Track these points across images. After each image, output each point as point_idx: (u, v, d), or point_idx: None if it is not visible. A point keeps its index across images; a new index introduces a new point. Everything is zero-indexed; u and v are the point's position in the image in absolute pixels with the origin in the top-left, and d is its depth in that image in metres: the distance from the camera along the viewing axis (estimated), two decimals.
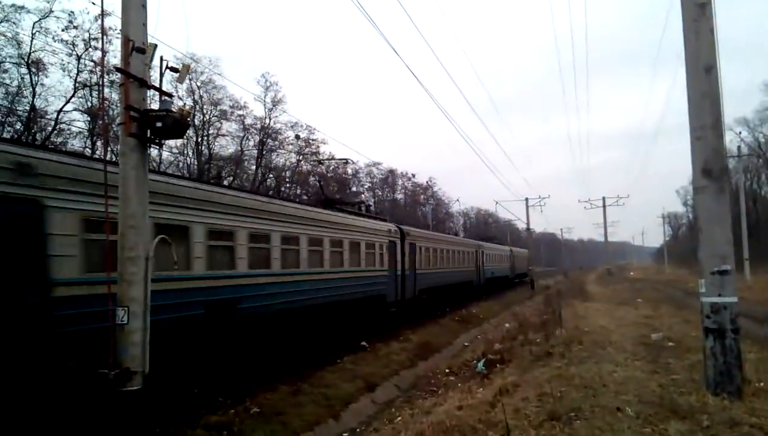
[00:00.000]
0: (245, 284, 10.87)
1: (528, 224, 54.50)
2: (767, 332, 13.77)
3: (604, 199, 59.47)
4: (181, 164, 44.83)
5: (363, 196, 76.66)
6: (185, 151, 44.25)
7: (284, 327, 12.38)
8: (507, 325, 18.50)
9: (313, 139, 52.52)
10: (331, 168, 63.70)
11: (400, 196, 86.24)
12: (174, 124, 6.39)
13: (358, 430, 9.76)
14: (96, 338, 6.48)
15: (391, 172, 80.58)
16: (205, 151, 44.95)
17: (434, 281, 25.04)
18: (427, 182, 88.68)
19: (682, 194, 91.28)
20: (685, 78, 6.67)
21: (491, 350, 13.13)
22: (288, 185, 55.44)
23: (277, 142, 50.49)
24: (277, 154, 52.25)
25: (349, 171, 68.46)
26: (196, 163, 44.52)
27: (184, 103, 36.11)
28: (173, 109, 6.50)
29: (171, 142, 37.19)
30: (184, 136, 26.15)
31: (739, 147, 37.10)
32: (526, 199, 52.18)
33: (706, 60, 6.48)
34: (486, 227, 79.38)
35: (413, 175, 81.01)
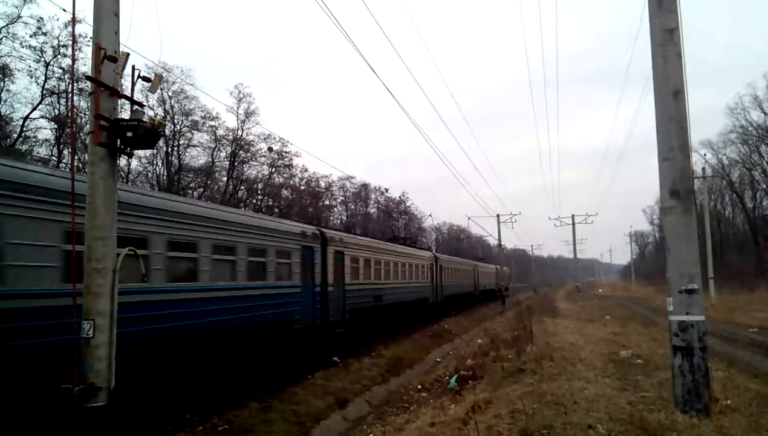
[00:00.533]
0: None
1: (499, 239, 55.09)
2: (733, 350, 14.13)
3: (573, 216, 60.70)
4: (150, 174, 44.15)
5: (336, 209, 76.57)
6: (155, 162, 43.63)
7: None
8: (479, 341, 18.55)
9: (286, 152, 52.29)
10: (303, 181, 63.43)
11: (373, 210, 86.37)
12: (145, 134, 6.29)
13: None
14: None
15: (365, 186, 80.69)
16: (175, 161, 44.36)
17: (369, 300, 20.45)
18: (400, 197, 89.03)
19: (649, 213, 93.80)
20: (654, 101, 6.85)
21: (463, 366, 13.12)
22: (260, 198, 54.99)
23: (249, 154, 50.14)
24: (249, 166, 51.88)
25: (323, 184, 68.38)
26: (165, 173, 43.87)
27: (155, 114, 35.69)
28: (144, 119, 6.40)
29: (140, 152, 36.67)
30: (154, 147, 25.77)
31: (704, 169, 38.27)
32: (498, 216, 52.90)
33: (674, 84, 6.67)
34: (458, 243, 79.84)
35: (386, 190, 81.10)
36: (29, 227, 7.34)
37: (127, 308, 7.28)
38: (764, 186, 53.58)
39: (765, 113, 47.88)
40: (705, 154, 47.76)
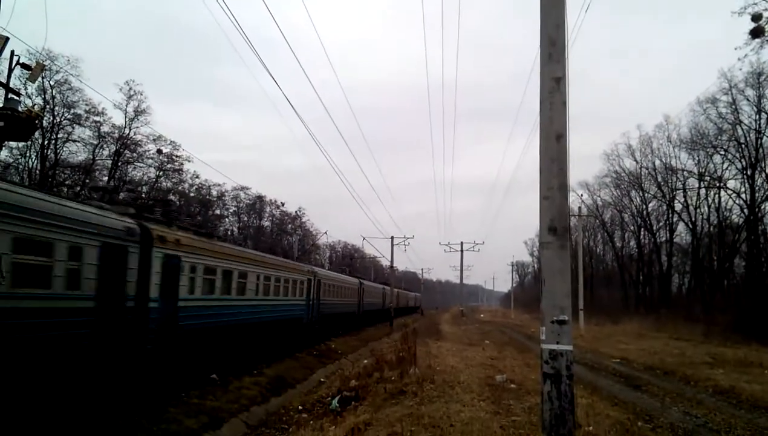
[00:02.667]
0: None
1: (392, 261, 56.03)
2: (597, 378, 15.32)
3: (462, 243, 63.31)
4: (21, 167, 40.14)
5: (227, 220, 74.07)
6: (28, 154, 39.78)
7: None
8: (365, 361, 18.62)
9: (176, 156, 49.97)
10: (194, 188, 60.74)
11: (267, 223, 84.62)
12: (20, 124, 5.71)
13: None
14: None
15: (260, 198, 78.97)
16: (52, 155, 40.72)
17: (215, 320, 15.99)
18: (296, 212, 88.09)
19: (530, 245, 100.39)
20: (539, 143, 7.34)
21: (346, 387, 13.09)
22: (144, 201, 51.85)
23: (135, 155, 47.26)
24: (134, 167, 48.88)
25: (215, 193, 65.98)
26: (39, 167, 40.10)
27: (33, 104, 32.67)
28: (20, 109, 5.82)
29: (13, 143, 33.25)
30: (29, 139, 23.33)
31: (579, 208, 41.68)
32: (392, 238, 53.76)
33: (558, 129, 7.18)
34: (352, 262, 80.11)
35: (283, 204, 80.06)
36: None
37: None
38: (632, 227, 59.38)
39: (637, 161, 53.20)
40: (582, 195, 52.15)
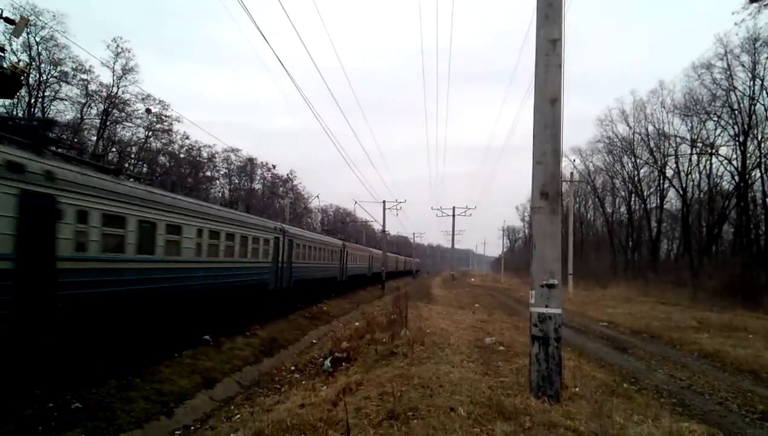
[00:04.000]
0: None
1: (384, 225, 56.15)
2: (584, 341, 15.62)
3: (454, 208, 63.43)
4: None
5: (218, 182, 73.63)
6: (14, 112, 39.01)
7: None
8: (356, 323, 18.85)
9: (165, 116, 49.21)
10: (184, 149, 60.04)
11: (258, 186, 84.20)
12: (4, 81, 5.55)
13: (192, 427, 9.30)
14: None
15: (251, 160, 78.33)
16: (39, 114, 39.99)
17: (112, 289, 11.64)
18: (287, 175, 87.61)
19: (521, 211, 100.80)
20: (533, 107, 7.28)
21: (338, 348, 13.27)
22: (133, 162, 51.29)
23: (124, 114, 46.49)
24: (123, 127, 48.16)
25: (205, 154, 65.33)
26: None
27: (18, 60, 31.84)
28: (4, 65, 5.65)
29: None
30: (15, 96, 22.84)
31: (572, 173, 41.64)
32: (384, 202, 53.75)
33: (553, 93, 7.11)
34: (343, 226, 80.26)
35: (274, 166, 79.52)
36: None
37: None
38: (623, 193, 59.60)
39: (630, 127, 53.04)
40: (574, 160, 52.04)
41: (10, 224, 8.83)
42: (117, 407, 9.00)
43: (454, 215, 63.29)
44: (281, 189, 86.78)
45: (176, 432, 9.00)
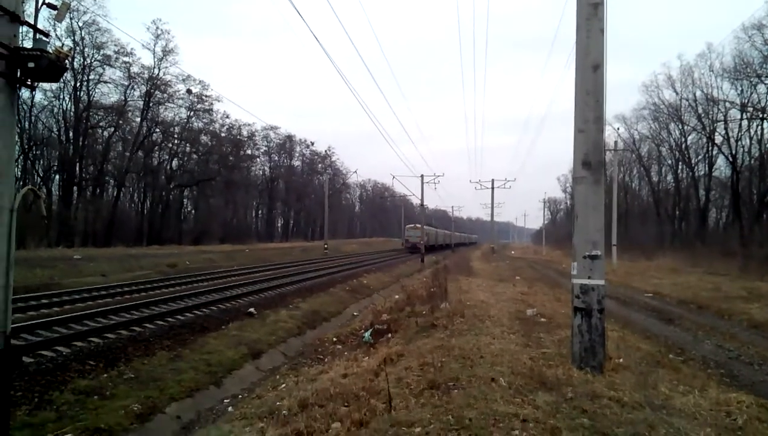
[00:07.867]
0: None
1: (422, 200, 56.00)
2: (629, 312, 15.36)
3: (493, 181, 62.50)
4: (56, 109, 40.89)
5: (258, 160, 74.62)
6: (61, 96, 40.40)
7: None
8: (396, 296, 19.03)
9: (206, 96, 50.11)
10: (224, 128, 60.97)
11: (297, 163, 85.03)
12: (49, 65, 5.73)
13: (240, 396, 9.63)
14: None
15: (289, 138, 79.15)
16: (84, 97, 41.26)
17: None
18: (325, 151, 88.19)
19: (563, 182, 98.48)
20: (574, 74, 7.08)
21: (379, 321, 13.46)
22: (176, 142, 52.48)
23: (166, 96, 47.51)
24: (165, 108, 49.23)
25: (245, 133, 66.24)
26: (73, 109, 40.75)
27: (62, 44, 32.73)
28: (49, 50, 5.83)
29: (46, 85, 33.66)
30: (61, 80, 23.61)
31: (615, 142, 40.43)
32: (422, 176, 53.46)
33: (595, 58, 6.90)
34: (382, 201, 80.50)
35: (312, 143, 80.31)
36: None
37: None
38: (669, 162, 57.51)
39: (676, 93, 50.87)
40: (618, 128, 50.51)
41: None
42: (168, 377, 9.38)
43: (493, 188, 62.43)
44: (320, 165, 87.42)
45: (225, 401, 9.34)
